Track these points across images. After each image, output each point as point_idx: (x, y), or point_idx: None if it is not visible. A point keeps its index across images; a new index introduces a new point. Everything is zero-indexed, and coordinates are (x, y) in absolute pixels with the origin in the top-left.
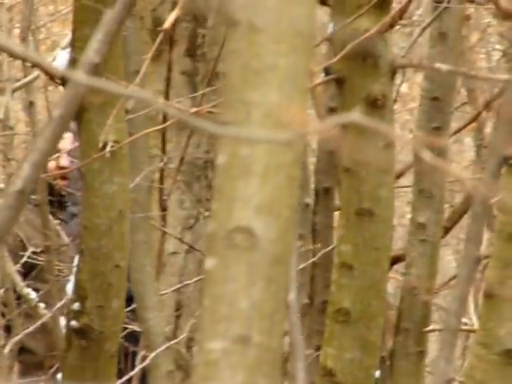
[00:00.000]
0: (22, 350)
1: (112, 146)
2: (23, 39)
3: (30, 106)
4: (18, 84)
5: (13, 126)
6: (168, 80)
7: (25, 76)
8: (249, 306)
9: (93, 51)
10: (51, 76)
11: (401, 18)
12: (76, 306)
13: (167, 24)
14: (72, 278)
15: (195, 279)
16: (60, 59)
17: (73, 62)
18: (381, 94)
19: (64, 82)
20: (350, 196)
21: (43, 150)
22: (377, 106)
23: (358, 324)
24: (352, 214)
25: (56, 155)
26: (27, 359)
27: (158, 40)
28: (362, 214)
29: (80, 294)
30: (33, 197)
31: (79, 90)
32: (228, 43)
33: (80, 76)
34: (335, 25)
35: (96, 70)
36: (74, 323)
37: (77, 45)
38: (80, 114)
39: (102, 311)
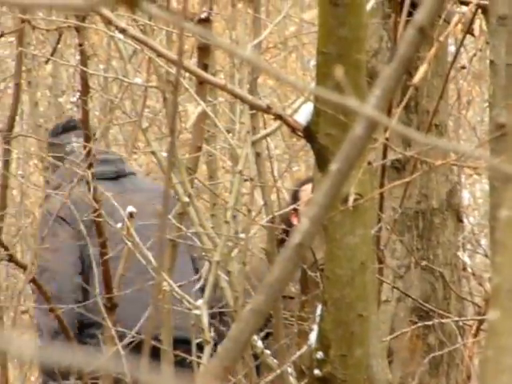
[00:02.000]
0: None
1: (355, 199)
2: (251, 91)
3: (257, 156)
4: (258, 136)
5: (253, 177)
6: (385, 131)
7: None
8: None
9: (371, 107)
10: (294, 128)
11: None
12: (319, 354)
13: (416, 79)
14: (314, 327)
15: (408, 328)
16: (302, 112)
17: (317, 115)
18: None
19: (306, 135)
20: None
21: (322, 204)
22: None
23: None
24: None
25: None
26: None
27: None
28: None
29: (324, 343)
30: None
31: (359, 143)
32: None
33: (358, 131)
34: None
35: (374, 127)
36: (317, 372)
37: (321, 98)
38: (323, 166)
39: (345, 360)
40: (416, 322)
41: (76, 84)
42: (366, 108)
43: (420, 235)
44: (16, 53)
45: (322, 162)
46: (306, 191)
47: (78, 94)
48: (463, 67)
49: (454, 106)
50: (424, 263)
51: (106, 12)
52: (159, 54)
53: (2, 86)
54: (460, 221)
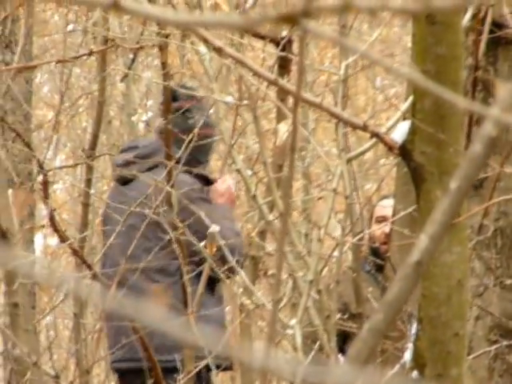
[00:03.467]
0: None
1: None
2: (343, 108)
3: (341, 176)
4: (353, 154)
5: (348, 195)
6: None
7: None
8: None
9: (491, 124)
10: (390, 147)
11: None
12: (415, 373)
13: None
14: (410, 346)
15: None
16: (398, 130)
17: (412, 133)
18: None
19: (402, 153)
20: None
21: (442, 222)
22: None
23: None
24: None
25: (384, 224)
26: None
27: None
28: None
29: (419, 361)
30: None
31: (477, 161)
32: None
33: (477, 148)
34: None
35: (492, 144)
36: None
37: (417, 116)
38: (419, 184)
39: (440, 379)
40: (495, 341)
41: (148, 103)
42: (483, 126)
43: (499, 253)
44: (98, 72)
45: (417, 180)
46: (381, 207)
47: (149, 113)
48: None
49: None
50: (510, 281)
51: (202, 31)
52: (255, 73)
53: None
54: None
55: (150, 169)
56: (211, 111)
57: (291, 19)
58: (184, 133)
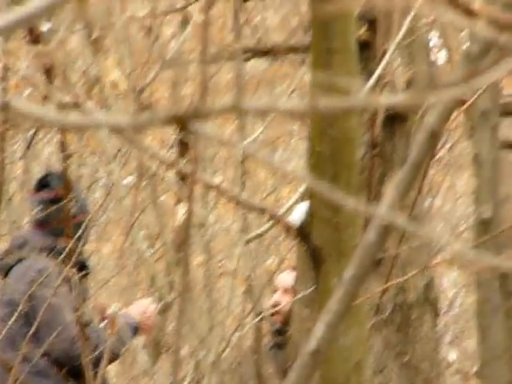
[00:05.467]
0: None
1: None
2: (242, 188)
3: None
4: (251, 236)
5: (247, 276)
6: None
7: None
8: None
9: (387, 204)
10: (288, 229)
11: None
12: None
13: None
14: None
15: None
16: (296, 211)
17: (311, 215)
18: None
19: (300, 235)
20: None
21: (337, 311)
22: None
23: None
24: None
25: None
26: None
27: None
28: None
29: None
30: None
31: (372, 249)
32: None
33: (371, 236)
34: None
35: (386, 232)
36: None
37: (314, 198)
38: (318, 266)
39: None
40: None
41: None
42: (379, 208)
43: (398, 329)
44: None
45: (316, 262)
46: (280, 280)
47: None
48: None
49: (427, 198)
50: (406, 359)
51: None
52: (152, 156)
53: None
54: (437, 315)
55: (20, 260)
56: (83, 194)
57: (180, 121)
58: (61, 221)
